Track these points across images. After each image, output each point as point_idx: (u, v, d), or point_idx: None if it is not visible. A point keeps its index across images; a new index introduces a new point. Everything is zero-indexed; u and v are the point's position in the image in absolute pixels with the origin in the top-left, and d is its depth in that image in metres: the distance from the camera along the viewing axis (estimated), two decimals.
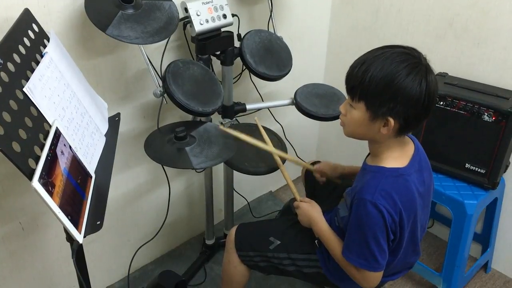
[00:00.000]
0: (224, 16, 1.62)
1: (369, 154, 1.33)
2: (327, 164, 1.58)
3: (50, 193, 0.94)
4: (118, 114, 1.42)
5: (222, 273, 1.60)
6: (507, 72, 1.78)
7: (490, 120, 1.69)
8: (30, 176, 0.92)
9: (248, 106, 1.79)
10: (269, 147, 1.53)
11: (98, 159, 1.24)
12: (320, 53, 2.41)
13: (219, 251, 2.13)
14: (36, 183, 0.90)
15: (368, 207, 1.15)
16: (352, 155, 2.53)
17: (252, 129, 1.68)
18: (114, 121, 1.39)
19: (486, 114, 1.69)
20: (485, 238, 2.03)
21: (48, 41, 1.24)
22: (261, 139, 1.56)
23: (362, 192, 1.18)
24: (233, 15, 1.66)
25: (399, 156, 1.22)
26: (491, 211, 1.94)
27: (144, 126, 1.78)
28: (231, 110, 1.77)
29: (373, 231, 1.17)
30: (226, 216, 2.10)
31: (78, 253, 1.14)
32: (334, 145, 2.63)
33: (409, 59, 1.11)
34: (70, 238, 1.11)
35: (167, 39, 1.53)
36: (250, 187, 2.39)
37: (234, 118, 1.75)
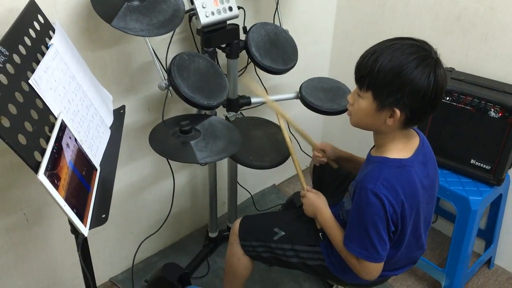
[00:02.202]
0: (230, 9, 1.60)
1: (373, 146, 1.32)
2: (328, 144, 1.59)
3: (56, 186, 0.94)
4: (123, 107, 1.42)
5: (225, 265, 1.60)
6: None
7: (497, 116, 1.68)
8: (35, 169, 0.92)
9: (252, 100, 1.79)
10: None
11: (103, 151, 1.24)
12: (325, 47, 2.40)
13: (222, 244, 2.13)
14: (41, 175, 0.90)
15: (369, 195, 1.15)
16: (355, 149, 2.52)
17: (257, 123, 1.68)
18: (119, 114, 1.39)
19: (492, 110, 1.68)
20: (489, 234, 2.03)
21: (54, 32, 1.24)
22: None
23: (364, 181, 1.18)
24: (238, 8, 1.64)
25: (403, 148, 1.22)
26: (496, 207, 1.93)
27: (149, 119, 1.77)
28: (236, 103, 1.76)
29: (373, 220, 1.17)
30: (230, 209, 2.10)
31: (83, 245, 1.14)
32: (338, 139, 2.62)
33: (419, 51, 1.11)
34: (75, 230, 1.10)
35: (172, 32, 1.52)
36: (253, 180, 2.39)
37: (239, 112, 1.75)
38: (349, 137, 2.54)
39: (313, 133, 2.60)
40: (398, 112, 1.12)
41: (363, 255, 1.21)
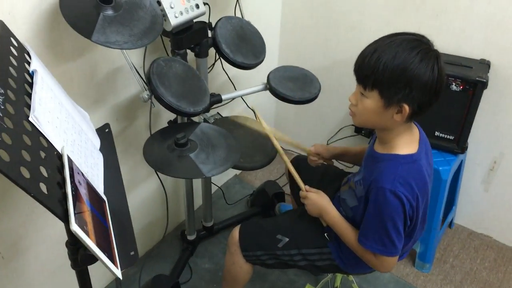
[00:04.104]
0: (197, 6, 1.52)
1: (374, 141, 1.33)
2: (320, 145, 1.58)
3: (87, 233, 0.86)
4: (107, 125, 1.31)
5: (225, 274, 1.57)
6: (466, 42, 1.87)
7: (458, 89, 1.77)
8: (65, 219, 0.83)
9: (223, 97, 1.73)
10: (277, 133, 1.50)
11: (102, 179, 1.15)
12: (274, 32, 2.37)
13: (199, 244, 2.09)
14: (75, 226, 0.82)
15: (388, 195, 1.17)
16: (310, 130, 2.56)
17: (238, 123, 1.64)
18: (105, 134, 1.28)
19: (454, 84, 1.77)
20: (450, 197, 2.15)
21: (27, 54, 1.11)
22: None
23: (380, 181, 1.19)
24: (204, 4, 1.57)
25: (410, 142, 1.24)
26: (457, 173, 2.06)
27: (118, 129, 1.67)
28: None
29: (392, 219, 1.19)
30: (205, 209, 2.05)
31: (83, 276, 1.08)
32: (291, 122, 2.64)
33: (420, 45, 1.12)
34: (75, 265, 1.03)
35: None
36: None
37: (217, 112, 1.69)
38: (303, 119, 2.57)
39: (266, 117, 2.61)
40: (406, 107, 1.13)
41: (382, 251, 1.23)
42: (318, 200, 1.38)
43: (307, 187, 1.43)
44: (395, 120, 1.17)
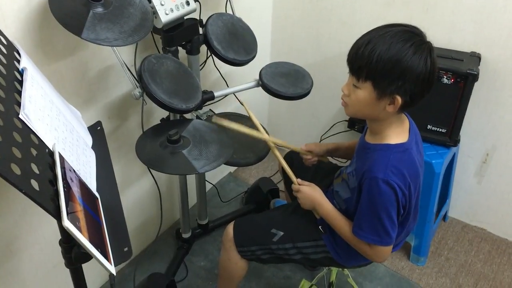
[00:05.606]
0: (187, 3, 1.52)
1: (365, 132, 1.34)
2: (312, 143, 1.58)
3: (79, 229, 0.85)
4: (98, 123, 1.30)
5: (221, 270, 1.57)
6: (456, 35, 1.88)
7: (449, 82, 1.78)
8: (57, 216, 0.82)
9: (216, 94, 1.73)
10: (263, 135, 1.49)
11: (95, 176, 1.14)
12: (265, 28, 2.37)
13: (195, 242, 2.09)
14: (68, 223, 0.81)
15: (381, 185, 1.17)
16: (303, 125, 2.57)
17: (230, 119, 1.64)
18: (96, 131, 1.28)
19: (445, 77, 1.77)
20: (443, 191, 2.16)
21: (17, 52, 1.10)
22: (247, 124, 1.52)
23: (373, 170, 1.19)
24: (195, 1, 1.57)
25: (400, 131, 1.25)
26: (449, 166, 2.07)
27: (110, 127, 1.66)
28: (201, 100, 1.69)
29: (386, 208, 1.19)
30: (199, 207, 2.05)
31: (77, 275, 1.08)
32: (284, 117, 2.64)
33: (414, 37, 1.13)
34: (69, 263, 1.03)
35: None
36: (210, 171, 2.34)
37: (209, 109, 1.69)
38: (295, 115, 2.58)
39: (259, 114, 2.62)
40: (399, 98, 1.14)
41: (377, 241, 1.23)
42: (310, 193, 1.39)
43: (299, 180, 1.44)
44: (387, 111, 1.18)
